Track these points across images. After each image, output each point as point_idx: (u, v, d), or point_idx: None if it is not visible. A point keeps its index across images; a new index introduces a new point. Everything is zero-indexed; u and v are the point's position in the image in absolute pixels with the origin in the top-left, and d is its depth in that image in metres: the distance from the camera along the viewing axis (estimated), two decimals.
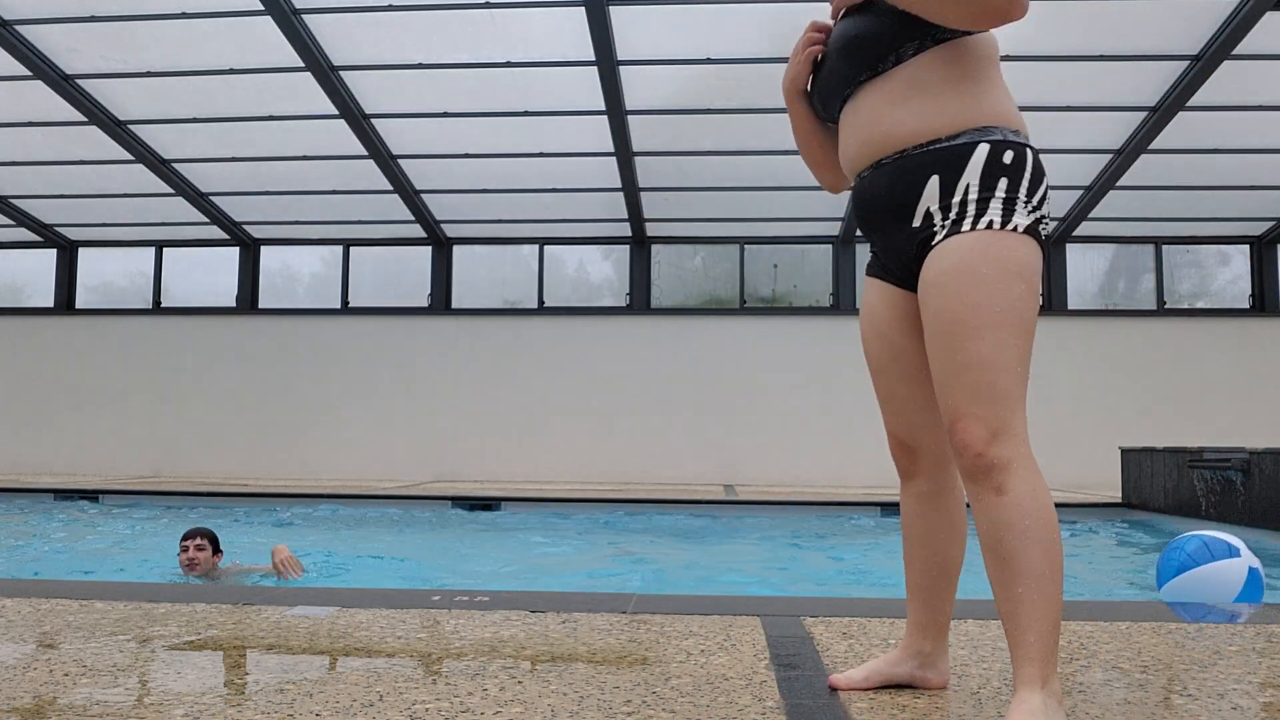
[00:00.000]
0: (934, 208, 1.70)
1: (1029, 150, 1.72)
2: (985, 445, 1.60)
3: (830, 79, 1.86)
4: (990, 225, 1.65)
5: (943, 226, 1.69)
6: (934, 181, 1.70)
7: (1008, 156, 1.69)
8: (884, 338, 1.87)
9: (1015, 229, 1.65)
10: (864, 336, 1.93)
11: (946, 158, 1.69)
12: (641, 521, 7.47)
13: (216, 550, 4.67)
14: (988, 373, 1.61)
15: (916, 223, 1.73)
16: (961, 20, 1.67)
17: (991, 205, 1.66)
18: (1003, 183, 1.67)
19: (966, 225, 1.66)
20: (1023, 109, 8.51)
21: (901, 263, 1.79)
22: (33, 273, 12.15)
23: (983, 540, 1.64)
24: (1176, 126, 8.67)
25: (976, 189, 1.67)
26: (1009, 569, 1.60)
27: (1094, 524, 7.39)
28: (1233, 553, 3.76)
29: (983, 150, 1.68)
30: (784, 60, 8.81)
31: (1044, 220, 1.71)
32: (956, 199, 1.68)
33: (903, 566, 1.95)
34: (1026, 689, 1.56)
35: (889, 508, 7.83)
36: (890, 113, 1.74)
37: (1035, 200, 1.69)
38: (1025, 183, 1.68)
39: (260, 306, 11.78)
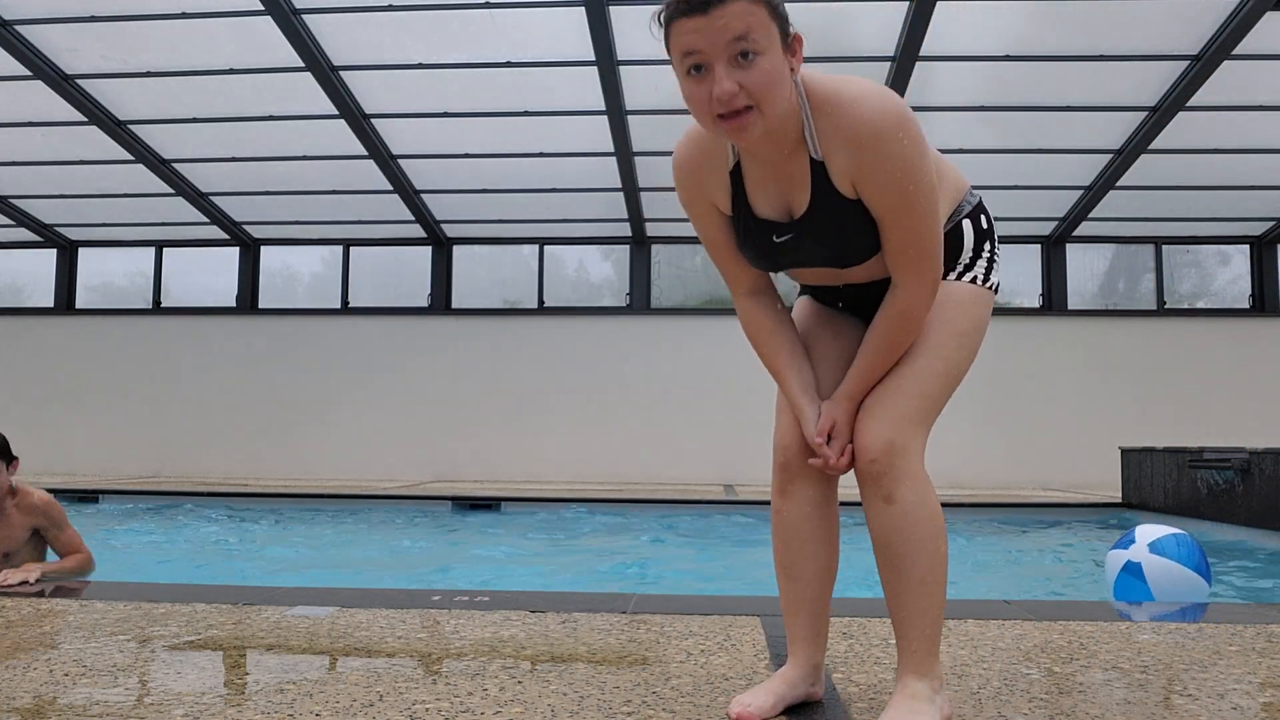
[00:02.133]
0: None
1: (982, 203, 1.89)
2: (883, 450, 1.68)
3: (805, 266, 1.82)
4: (975, 280, 1.81)
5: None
6: None
7: (983, 221, 1.86)
8: (809, 339, 1.89)
9: (991, 287, 1.83)
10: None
11: (949, 242, 1.82)
12: (641, 521, 7.46)
13: (8, 460, 3.56)
14: (914, 388, 1.72)
15: None
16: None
17: (978, 264, 1.82)
18: (986, 244, 1.85)
19: (953, 277, 1.80)
20: (1023, 109, 8.49)
21: (864, 304, 1.84)
22: (33, 273, 12.15)
23: (874, 543, 1.73)
24: (1176, 126, 8.67)
25: (970, 253, 1.83)
26: (895, 572, 1.70)
27: (1094, 524, 7.39)
28: (1124, 544, 3.76)
29: (968, 228, 1.83)
30: None
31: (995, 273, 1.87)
32: (960, 262, 1.82)
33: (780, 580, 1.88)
34: (907, 676, 1.68)
35: None
36: (876, 268, 1.76)
37: (998, 256, 1.88)
38: (995, 241, 1.87)
39: (260, 306, 11.77)
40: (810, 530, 1.83)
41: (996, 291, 1.86)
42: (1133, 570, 3.64)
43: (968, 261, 1.81)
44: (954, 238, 1.82)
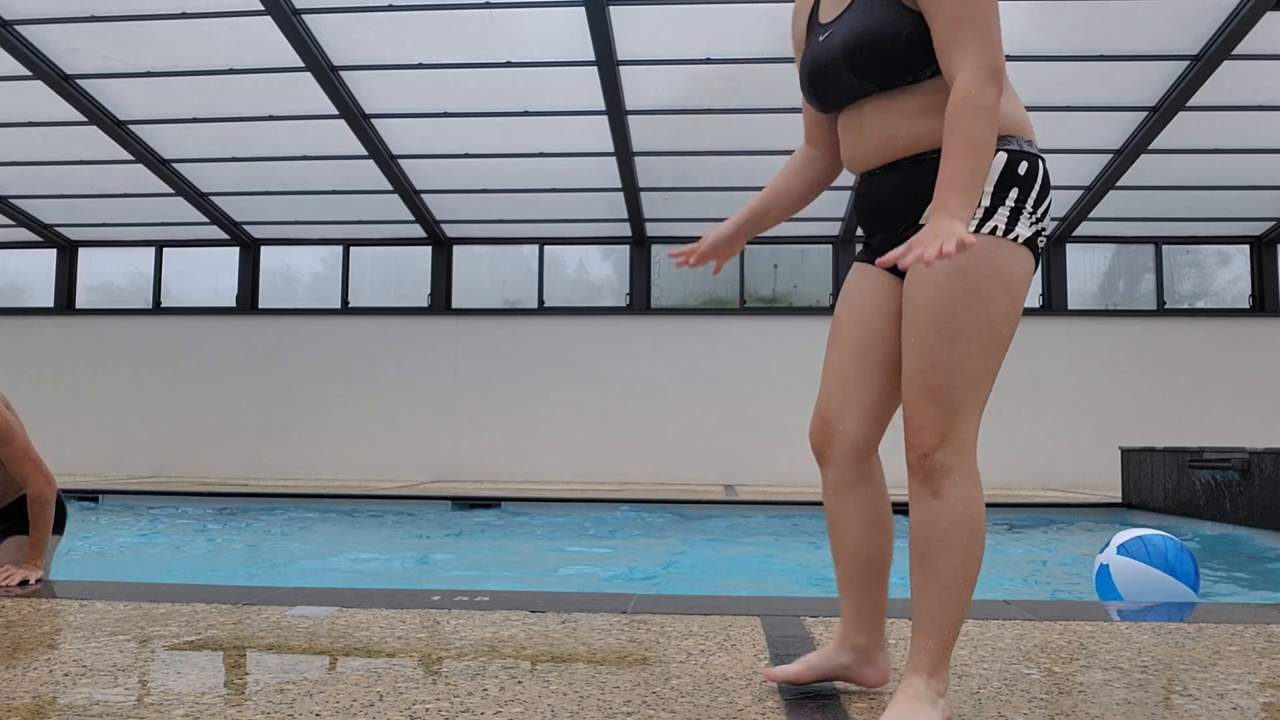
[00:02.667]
0: None
1: (1041, 162, 1.75)
2: (932, 448, 1.68)
3: (832, 81, 1.83)
4: (994, 230, 1.68)
5: None
6: None
7: (1022, 167, 1.72)
8: (860, 314, 1.88)
9: (1016, 238, 1.69)
10: (838, 310, 1.93)
11: None
12: (641, 521, 7.46)
13: None
14: (951, 379, 1.67)
15: (922, 220, 1.75)
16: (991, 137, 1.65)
17: (999, 211, 1.69)
18: (1014, 192, 1.71)
19: (972, 226, 1.67)
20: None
21: (890, 244, 1.81)
22: (33, 273, 12.15)
23: (911, 533, 1.71)
24: (1176, 126, 8.67)
25: (989, 195, 1.69)
26: (927, 567, 1.68)
27: (1094, 524, 7.39)
28: (1103, 547, 3.78)
29: (1000, 158, 1.71)
30: (784, 60, 8.74)
31: (1043, 234, 1.75)
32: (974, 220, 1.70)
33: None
34: (914, 674, 1.66)
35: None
36: (907, 125, 1.76)
37: (1040, 212, 1.73)
38: (1034, 194, 1.72)
39: (260, 306, 11.77)
40: (836, 514, 1.92)
41: (1031, 246, 1.71)
42: (1103, 573, 3.67)
43: (988, 205, 1.68)
44: None
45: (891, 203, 1.80)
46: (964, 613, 1.68)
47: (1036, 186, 1.72)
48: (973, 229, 1.67)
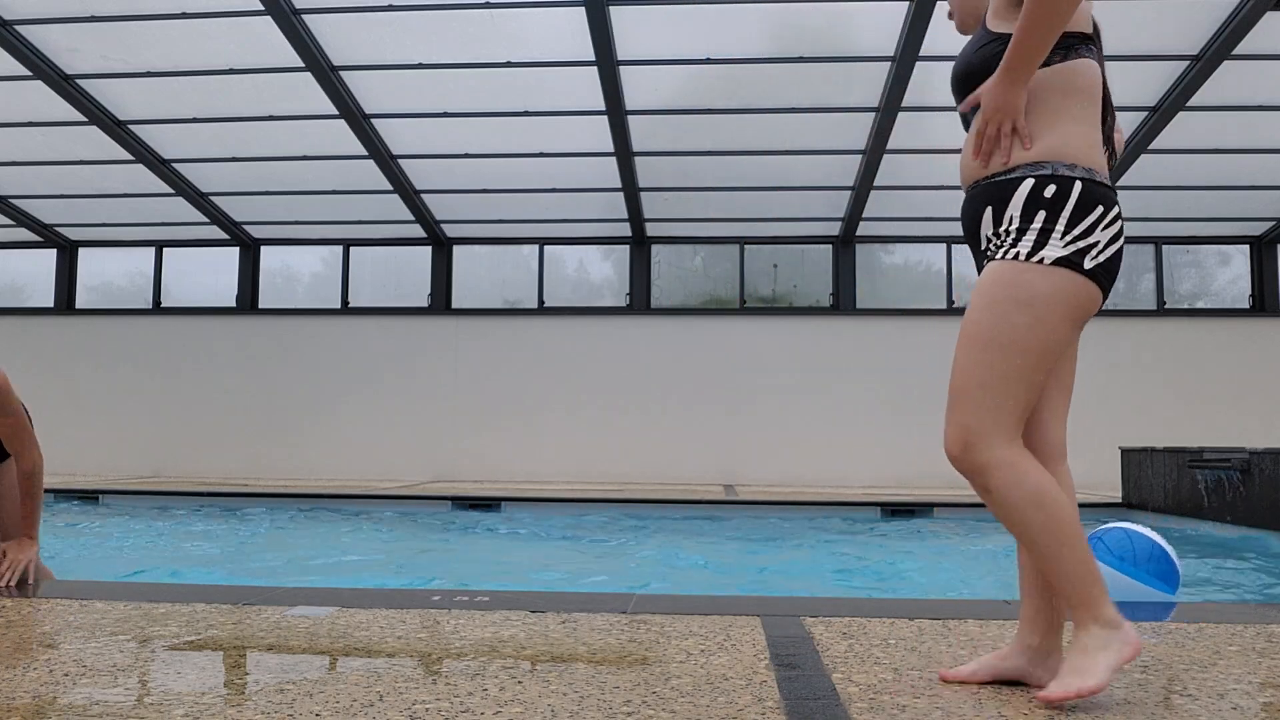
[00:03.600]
0: (989, 234, 1.91)
1: (1077, 183, 1.83)
2: (960, 451, 1.86)
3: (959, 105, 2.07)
4: (1017, 256, 1.83)
5: (990, 254, 1.90)
6: (989, 212, 1.91)
7: (1049, 190, 1.83)
8: None
9: (1041, 260, 1.82)
10: None
11: (999, 191, 1.89)
12: (641, 521, 7.46)
13: None
14: (968, 385, 1.86)
15: (982, 245, 1.95)
16: (1058, 21, 1.78)
17: (1025, 237, 1.83)
18: (1040, 215, 1.83)
19: (1000, 254, 1.86)
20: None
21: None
22: (33, 273, 12.15)
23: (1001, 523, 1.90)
24: (1176, 126, 8.67)
25: (1018, 220, 1.85)
26: (1024, 545, 1.86)
27: (1094, 524, 7.38)
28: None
29: (1027, 185, 1.85)
30: (784, 60, 8.73)
31: (1091, 250, 1.82)
32: (1003, 228, 1.87)
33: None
34: (1078, 630, 1.81)
35: (889, 508, 7.84)
36: (970, 146, 1.96)
37: (1077, 231, 1.82)
38: (1065, 216, 1.82)
39: (260, 306, 11.78)
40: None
41: (1071, 264, 1.80)
42: None
43: (1016, 229, 1.83)
44: (1000, 190, 1.88)
45: (963, 226, 2.01)
46: (1077, 566, 1.79)
47: (1068, 208, 1.82)
48: (999, 256, 1.85)
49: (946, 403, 1.90)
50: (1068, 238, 1.81)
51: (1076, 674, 1.75)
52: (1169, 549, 3.57)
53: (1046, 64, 1.84)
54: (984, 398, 1.83)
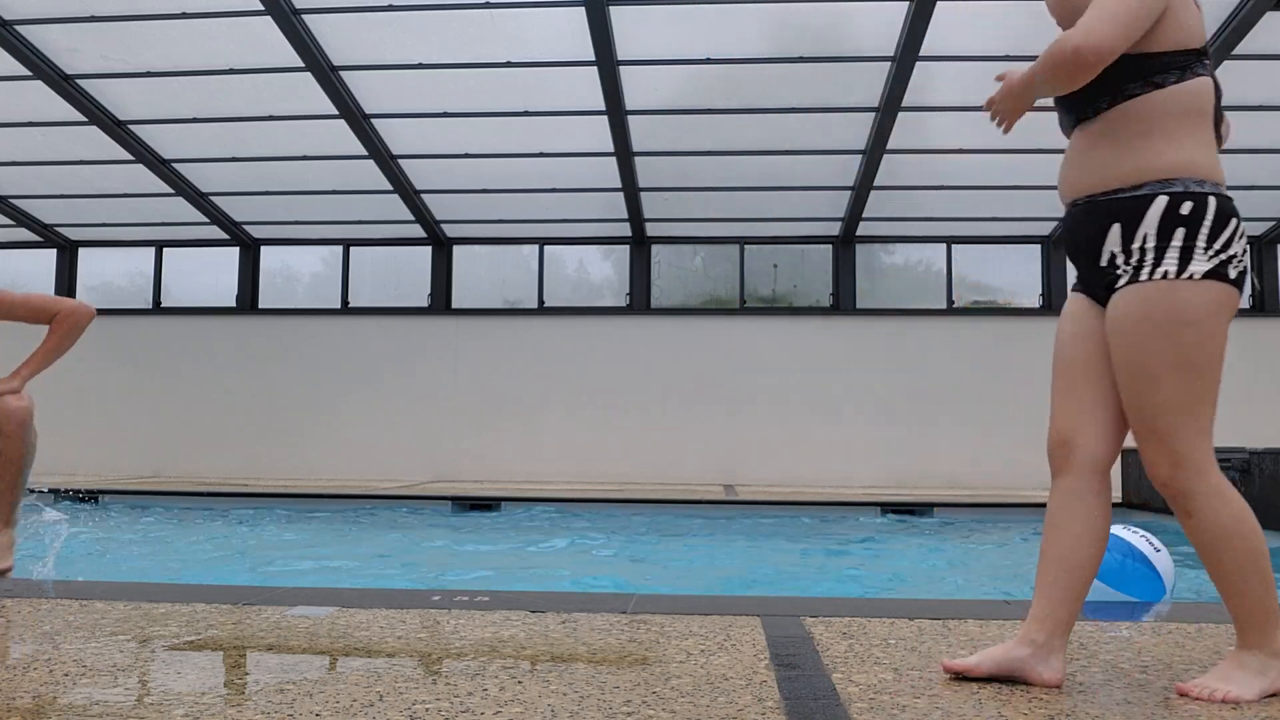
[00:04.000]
0: (1116, 251, 1.93)
1: (1211, 199, 1.89)
2: (1168, 477, 1.90)
3: (1059, 117, 2.13)
4: (1165, 275, 1.86)
5: (1125, 271, 1.92)
6: (1116, 229, 1.92)
7: (1185, 207, 1.87)
8: (1077, 340, 2.07)
9: (1191, 276, 1.86)
10: (1059, 336, 2.12)
11: (1127, 207, 1.91)
12: (641, 521, 7.46)
13: None
14: (1163, 415, 1.88)
15: (1103, 263, 1.96)
16: (1062, 82, 1.93)
17: (1168, 255, 1.87)
18: (1179, 233, 1.87)
19: (1145, 274, 1.88)
20: None
21: (1095, 289, 2.04)
22: (33, 273, 12.15)
23: (1196, 550, 1.94)
24: None
25: (1154, 238, 1.88)
26: (1213, 570, 1.91)
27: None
28: None
29: (1161, 202, 1.88)
30: (784, 60, 8.71)
31: (1232, 260, 1.89)
32: (1136, 245, 1.90)
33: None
34: (1242, 649, 1.89)
35: (889, 508, 7.84)
36: (1085, 160, 2.00)
37: (1218, 245, 1.88)
38: (1204, 231, 1.87)
39: (260, 306, 11.77)
40: (1059, 517, 2.02)
41: (1218, 275, 1.87)
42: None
43: (1154, 248, 1.87)
44: (1129, 206, 1.90)
45: (1073, 241, 2.04)
46: (1263, 594, 1.86)
47: (1207, 222, 1.88)
48: (1145, 276, 1.88)
49: (1140, 432, 1.93)
50: (1210, 251, 1.87)
51: (1226, 681, 1.83)
52: (1149, 553, 3.55)
53: (1164, 85, 1.90)
54: (1185, 422, 1.87)
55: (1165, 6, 1.88)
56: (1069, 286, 2.17)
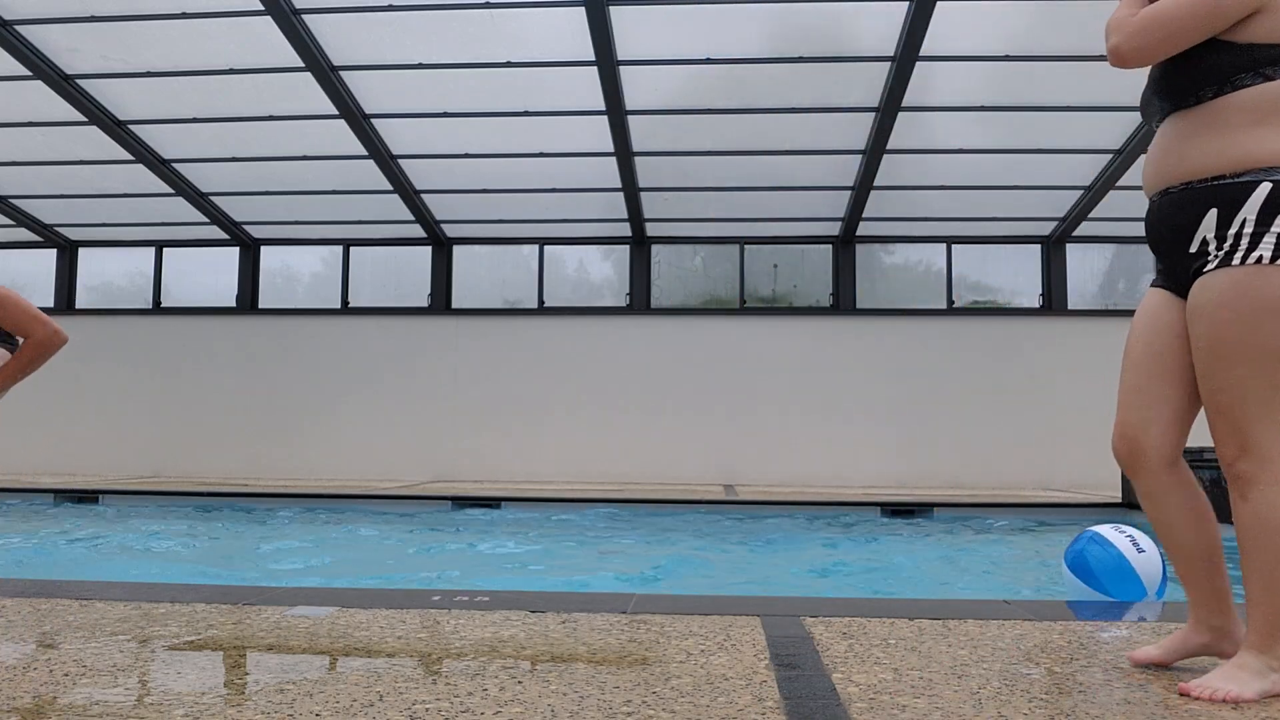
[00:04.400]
0: (1210, 236, 1.92)
1: None
2: (1233, 460, 1.92)
3: (1147, 104, 2.12)
4: (1260, 260, 1.85)
5: (1215, 256, 1.91)
6: (1212, 214, 1.92)
7: None
8: (1152, 335, 2.10)
9: None
10: (1133, 330, 2.17)
11: (1228, 193, 1.90)
12: (641, 521, 7.46)
13: None
14: (1235, 400, 1.90)
15: (1193, 249, 1.96)
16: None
17: (1264, 240, 1.86)
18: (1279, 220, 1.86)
19: (1237, 259, 1.88)
20: (1023, 109, 8.44)
21: (1179, 280, 2.04)
22: (33, 273, 12.15)
23: (1236, 533, 1.96)
24: None
25: (1252, 223, 1.87)
26: (1248, 560, 1.91)
27: (1094, 524, 7.38)
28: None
29: (1264, 188, 1.87)
30: (784, 60, 8.69)
31: None
32: (1232, 231, 1.89)
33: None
34: (1246, 650, 1.90)
35: (889, 508, 7.84)
36: (1183, 147, 1.97)
37: None
38: None
39: (260, 306, 11.77)
40: (1161, 519, 2.08)
41: None
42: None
43: (1251, 234, 1.86)
44: (1230, 193, 1.89)
45: (1163, 229, 2.02)
46: None
47: None
48: (1237, 261, 1.87)
49: (1212, 411, 1.95)
50: None
51: (1229, 681, 1.85)
52: (1130, 555, 3.54)
53: (1275, 77, 1.90)
54: (1258, 410, 1.88)
55: (1259, 7, 1.88)
56: (1150, 282, 2.19)
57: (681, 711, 1.75)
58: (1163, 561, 3.52)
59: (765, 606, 2.84)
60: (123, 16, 7.78)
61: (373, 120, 9.10)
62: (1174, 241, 2.00)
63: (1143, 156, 9.57)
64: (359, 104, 8.83)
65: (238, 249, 11.81)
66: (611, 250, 11.64)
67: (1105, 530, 3.69)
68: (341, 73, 8.39)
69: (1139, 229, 9.47)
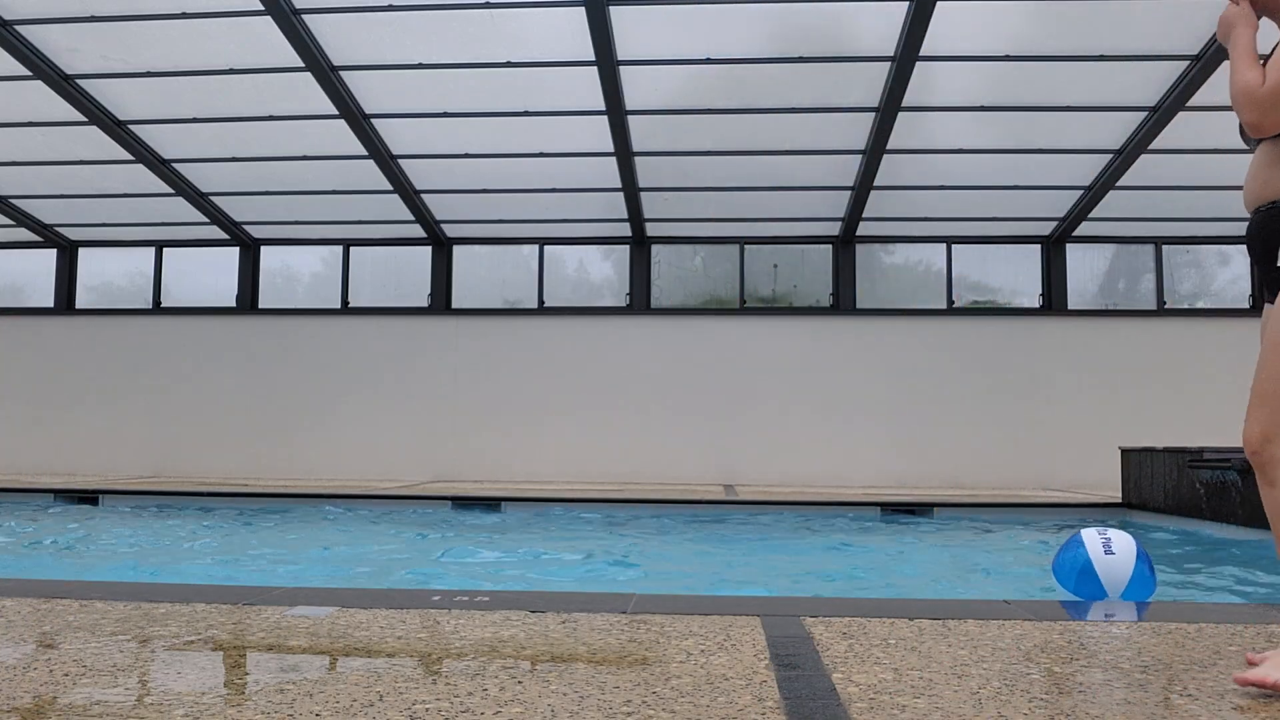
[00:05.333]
0: None
1: None
2: (1258, 444, 2.05)
3: (1243, 130, 2.31)
4: None
5: None
6: None
7: None
8: (1266, 341, 2.21)
9: None
10: (1262, 339, 2.26)
11: None
12: (641, 521, 7.47)
13: None
14: (1268, 386, 2.06)
15: (1278, 263, 2.13)
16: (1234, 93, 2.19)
17: None
18: None
19: None
20: (1023, 109, 8.45)
21: (1271, 290, 2.19)
22: (33, 273, 12.15)
23: (1269, 518, 2.06)
24: (1176, 126, 8.67)
25: None
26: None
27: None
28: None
29: None
30: (784, 60, 8.70)
31: None
32: None
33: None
34: None
35: (889, 508, 7.84)
36: (1268, 172, 2.21)
37: None
38: None
39: (260, 306, 11.78)
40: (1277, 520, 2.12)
41: None
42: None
43: None
44: None
45: (1253, 243, 2.19)
46: None
47: None
48: None
49: (1250, 400, 2.09)
50: None
51: (1277, 669, 1.89)
52: (1096, 555, 3.56)
53: None
54: None
55: None
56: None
57: (681, 711, 1.75)
58: (1139, 564, 3.55)
59: (765, 606, 2.84)
60: (123, 16, 7.78)
61: (373, 120, 9.10)
62: (1264, 254, 2.17)
63: (1143, 156, 9.60)
64: (359, 104, 8.83)
65: (238, 249, 11.81)
66: (611, 250, 11.64)
67: (1087, 532, 3.74)
68: (341, 73, 8.39)
69: (1139, 229, 9.57)
